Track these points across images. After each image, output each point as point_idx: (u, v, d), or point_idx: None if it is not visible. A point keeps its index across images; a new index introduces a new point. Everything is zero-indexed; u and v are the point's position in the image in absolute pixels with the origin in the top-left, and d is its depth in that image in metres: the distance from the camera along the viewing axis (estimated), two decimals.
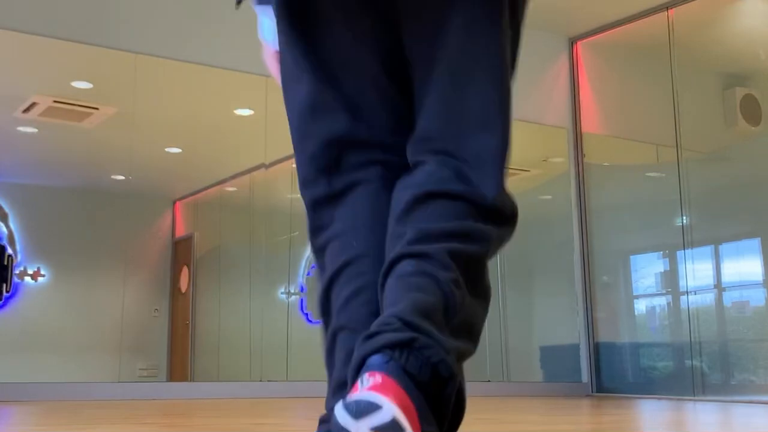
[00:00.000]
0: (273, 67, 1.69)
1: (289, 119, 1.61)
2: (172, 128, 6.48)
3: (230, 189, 6.83)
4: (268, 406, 4.73)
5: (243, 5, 1.73)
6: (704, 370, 6.46)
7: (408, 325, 1.22)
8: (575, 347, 7.30)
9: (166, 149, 6.53)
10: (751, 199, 6.57)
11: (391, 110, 1.48)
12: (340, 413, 1.13)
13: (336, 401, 1.18)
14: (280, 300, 6.67)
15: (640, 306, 7.38)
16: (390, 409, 1.12)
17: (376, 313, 1.31)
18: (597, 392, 7.13)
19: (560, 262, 7.55)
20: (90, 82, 6.06)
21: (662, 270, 7.23)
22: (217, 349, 6.65)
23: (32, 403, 4.70)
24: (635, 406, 5.22)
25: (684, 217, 6.69)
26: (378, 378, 1.16)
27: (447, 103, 1.42)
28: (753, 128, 6.77)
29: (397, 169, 1.45)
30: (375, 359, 1.19)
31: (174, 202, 6.62)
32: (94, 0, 5.89)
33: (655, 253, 7.35)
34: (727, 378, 6.48)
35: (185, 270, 6.53)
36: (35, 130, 6.03)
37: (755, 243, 6.66)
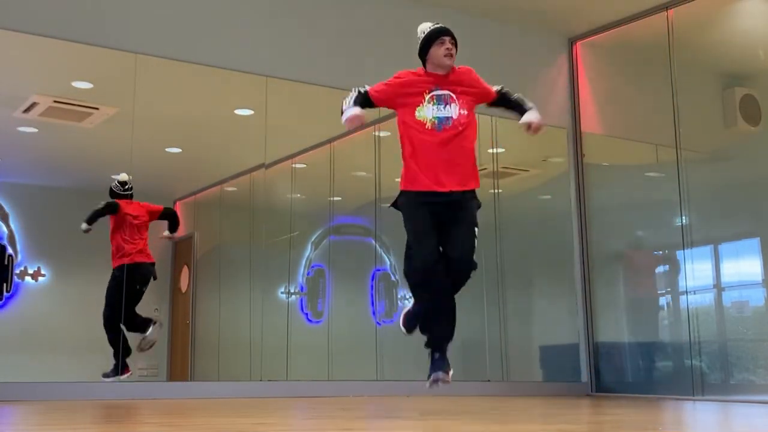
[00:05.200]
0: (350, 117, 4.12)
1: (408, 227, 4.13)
2: (172, 128, 6.48)
3: (230, 189, 6.83)
4: (268, 406, 4.73)
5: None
6: (704, 369, 6.47)
7: None
8: (575, 347, 7.30)
9: (166, 149, 6.54)
10: (751, 199, 6.57)
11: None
12: None
13: None
14: (280, 300, 6.67)
15: (640, 305, 7.38)
16: None
17: None
18: (596, 392, 7.13)
19: (560, 262, 7.55)
20: (90, 82, 6.07)
21: (662, 270, 7.24)
22: (217, 349, 6.65)
23: (32, 403, 4.70)
24: (635, 406, 5.22)
25: (683, 217, 6.69)
26: None
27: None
28: (752, 128, 6.77)
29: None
30: None
31: (174, 202, 6.62)
32: (95, 0, 5.90)
33: (655, 253, 7.35)
34: (726, 378, 6.49)
35: (185, 270, 6.53)
36: (35, 130, 6.03)
37: (755, 243, 6.66)
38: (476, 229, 4.07)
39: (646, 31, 7.15)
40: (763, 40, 6.63)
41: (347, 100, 4.14)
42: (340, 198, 7.09)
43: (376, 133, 6.88)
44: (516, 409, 4.62)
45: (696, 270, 6.60)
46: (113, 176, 6.01)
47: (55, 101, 5.88)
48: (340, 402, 5.15)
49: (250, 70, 6.35)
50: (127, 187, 6.02)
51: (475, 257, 4.04)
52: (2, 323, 5.70)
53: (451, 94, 4.11)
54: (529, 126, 4.14)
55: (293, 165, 6.90)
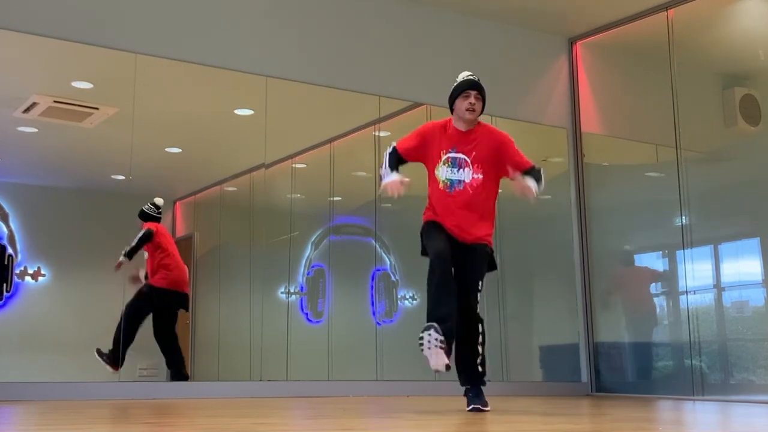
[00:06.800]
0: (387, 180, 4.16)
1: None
2: (172, 128, 6.48)
3: (230, 189, 6.83)
4: (268, 406, 4.74)
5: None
6: (704, 369, 6.47)
7: None
8: (575, 347, 7.30)
9: (166, 149, 6.54)
10: (751, 199, 6.57)
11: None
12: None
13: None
14: (280, 300, 6.67)
15: (640, 305, 7.38)
16: None
17: None
18: (596, 392, 7.13)
19: (560, 262, 7.55)
20: (90, 82, 6.07)
21: (662, 270, 7.24)
22: (217, 349, 6.65)
23: (32, 403, 4.70)
24: (635, 406, 5.23)
25: (683, 217, 6.69)
26: None
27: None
28: (752, 128, 6.77)
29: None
30: None
31: (174, 202, 6.62)
32: (94, 0, 5.90)
33: (655, 253, 7.35)
34: (726, 378, 6.49)
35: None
36: (35, 130, 6.03)
37: (754, 243, 6.66)
38: (480, 282, 4.16)
39: (646, 31, 7.15)
40: (763, 40, 6.63)
41: (384, 161, 4.22)
42: (340, 198, 7.09)
43: (376, 133, 6.88)
44: (516, 409, 4.62)
45: (696, 270, 6.60)
46: (154, 199, 6.11)
47: (55, 101, 5.88)
48: (340, 402, 5.16)
49: (250, 70, 6.34)
50: (160, 210, 6.09)
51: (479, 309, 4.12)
52: (2, 323, 5.70)
53: (466, 158, 4.17)
54: (522, 188, 4.11)
55: (293, 165, 6.90)
